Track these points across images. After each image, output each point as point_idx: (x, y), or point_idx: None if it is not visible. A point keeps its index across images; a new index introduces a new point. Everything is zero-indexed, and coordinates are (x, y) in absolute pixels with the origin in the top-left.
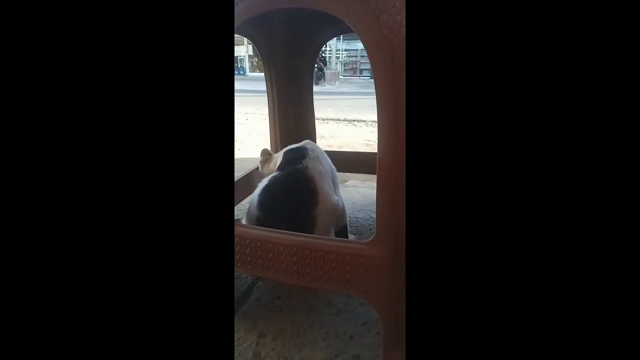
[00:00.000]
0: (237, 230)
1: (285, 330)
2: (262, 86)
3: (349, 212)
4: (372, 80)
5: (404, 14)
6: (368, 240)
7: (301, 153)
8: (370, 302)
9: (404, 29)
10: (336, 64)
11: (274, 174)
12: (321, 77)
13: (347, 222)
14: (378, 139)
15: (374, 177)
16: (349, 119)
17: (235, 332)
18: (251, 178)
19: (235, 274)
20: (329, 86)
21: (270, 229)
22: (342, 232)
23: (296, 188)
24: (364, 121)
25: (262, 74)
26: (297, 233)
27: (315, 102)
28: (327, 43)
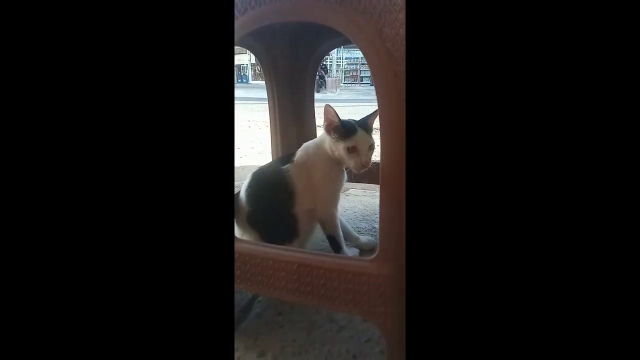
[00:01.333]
0: (237, 246)
1: (286, 348)
2: (264, 94)
3: (350, 222)
4: (373, 88)
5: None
6: (371, 257)
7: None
8: (374, 323)
9: None
10: (337, 71)
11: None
12: (322, 84)
13: (339, 234)
14: (381, 154)
15: (376, 185)
16: None
17: (235, 350)
18: None
19: (235, 289)
20: (330, 93)
21: (270, 244)
22: (331, 241)
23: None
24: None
25: (263, 82)
26: (298, 249)
27: (316, 109)
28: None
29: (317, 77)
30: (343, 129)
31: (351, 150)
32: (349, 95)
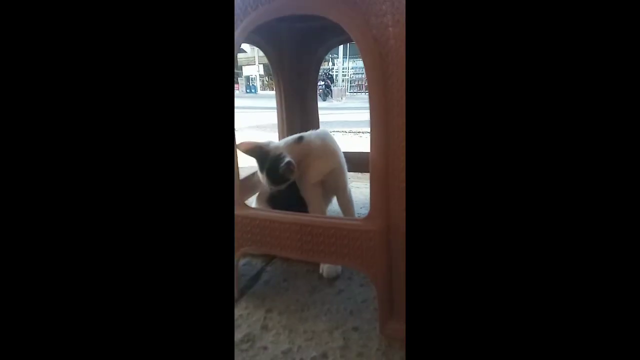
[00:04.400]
0: (249, 212)
1: (290, 306)
2: (272, 103)
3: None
4: None
5: (390, 16)
6: (363, 217)
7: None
8: (366, 273)
9: (391, 29)
10: (343, 81)
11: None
12: (329, 93)
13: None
14: (371, 135)
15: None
16: (354, 130)
17: (245, 308)
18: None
19: (247, 260)
20: (336, 102)
21: (277, 210)
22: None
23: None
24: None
25: (272, 92)
26: (301, 213)
27: (323, 116)
28: (335, 62)
29: (324, 86)
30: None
31: None
32: (354, 104)
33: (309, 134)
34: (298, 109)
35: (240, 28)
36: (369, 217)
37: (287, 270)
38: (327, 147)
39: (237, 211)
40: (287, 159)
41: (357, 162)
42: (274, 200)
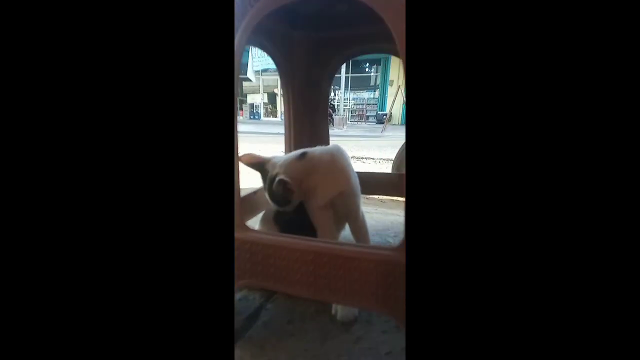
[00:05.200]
0: (249, 235)
1: (297, 358)
2: (275, 129)
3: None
4: (377, 126)
5: None
6: (395, 245)
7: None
8: (395, 317)
9: None
10: (344, 110)
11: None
12: (330, 122)
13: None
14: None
15: (388, 205)
16: (357, 156)
17: (239, 358)
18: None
19: (242, 294)
20: (337, 130)
21: (285, 234)
22: None
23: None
24: (372, 158)
25: (275, 119)
26: (314, 238)
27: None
28: (336, 92)
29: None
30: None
31: None
32: (354, 132)
33: (315, 149)
34: (307, 123)
35: (242, 26)
36: (402, 246)
37: (292, 309)
38: (335, 165)
39: (236, 233)
40: (280, 177)
41: (363, 183)
42: (281, 221)
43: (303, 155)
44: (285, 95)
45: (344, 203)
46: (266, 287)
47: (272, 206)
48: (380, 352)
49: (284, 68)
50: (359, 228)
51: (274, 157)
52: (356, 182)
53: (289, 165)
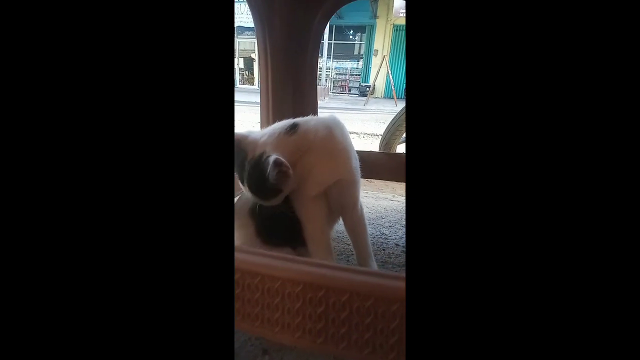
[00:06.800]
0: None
1: None
2: (252, 98)
3: None
4: (359, 98)
5: None
6: None
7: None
8: None
9: None
10: (326, 80)
11: None
12: None
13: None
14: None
15: (377, 186)
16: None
17: None
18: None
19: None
20: (319, 101)
21: (268, 252)
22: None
23: None
24: (356, 133)
25: (252, 87)
26: (306, 259)
27: None
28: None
29: None
30: None
31: None
32: (336, 104)
33: (308, 119)
34: (290, 88)
35: None
36: None
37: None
38: (334, 143)
39: None
40: (274, 156)
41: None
42: (261, 216)
43: (294, 127)
44: (263, 52)
45: (341, 193)
46: (248, 330)
47: (249, 197)
48: None
49: (258, 9)
50: (356, 224)
51: (251, 133)
52: (357, 165)
53: (279, 142)
